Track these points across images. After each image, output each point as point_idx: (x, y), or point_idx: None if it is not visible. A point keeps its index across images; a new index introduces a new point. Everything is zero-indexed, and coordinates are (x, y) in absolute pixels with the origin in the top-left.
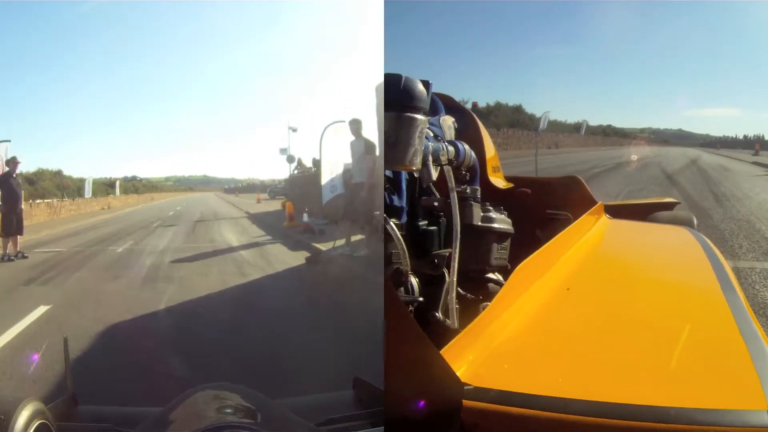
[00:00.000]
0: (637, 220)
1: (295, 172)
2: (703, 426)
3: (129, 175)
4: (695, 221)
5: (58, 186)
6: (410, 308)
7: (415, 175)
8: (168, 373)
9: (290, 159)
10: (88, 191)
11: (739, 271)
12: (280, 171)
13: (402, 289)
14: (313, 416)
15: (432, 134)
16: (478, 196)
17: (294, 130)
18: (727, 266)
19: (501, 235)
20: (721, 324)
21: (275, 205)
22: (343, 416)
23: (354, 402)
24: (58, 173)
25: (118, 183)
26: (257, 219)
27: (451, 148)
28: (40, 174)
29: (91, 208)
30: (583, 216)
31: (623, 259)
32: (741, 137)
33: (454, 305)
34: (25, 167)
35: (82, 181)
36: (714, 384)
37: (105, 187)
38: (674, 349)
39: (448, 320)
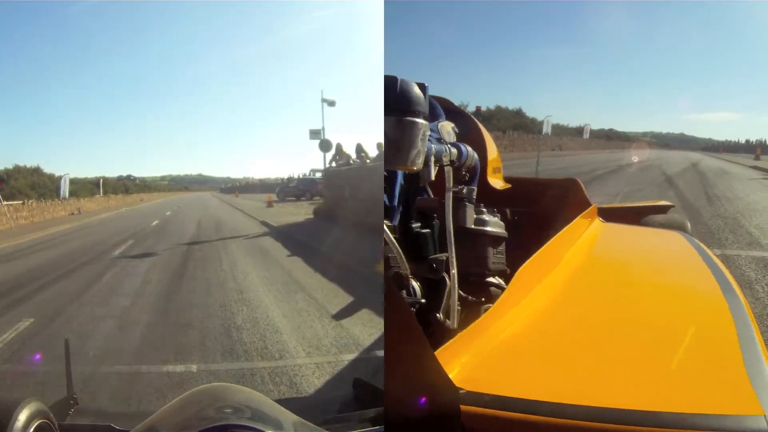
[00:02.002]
0: (631, 224)
1: (332, 164)
2: (699, 431)
3: (124, 173)
4: (689, 225)
5: (32, 185)
6: (413, 310)
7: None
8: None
9: (325, 146)
10: (64, 191)
11: (727, 257)
12: (277, 170)
13: (404, 292)
14: (313, 416)
15: (434, 138)
16: (473, 197)
17: (331, 104)
18: (725, 270)
19: (494, 239)
20: (718, 328)
21: (295, 211)
22: (343, 416)
23: (354, 402)
24: (36, 170)
25: (101, 182)
26: (292, 238)
27: (453, 150)
28: (15, 171)
29: (55, 213)
30: (576, 219)
31: (616, 263)
32: (743, 141)
33: (455, 307)
34: (1, 163)
35: (60, 179)
36: (711, 389)
37: (90, 186)
38: (671, 354)
39: (448, 321)
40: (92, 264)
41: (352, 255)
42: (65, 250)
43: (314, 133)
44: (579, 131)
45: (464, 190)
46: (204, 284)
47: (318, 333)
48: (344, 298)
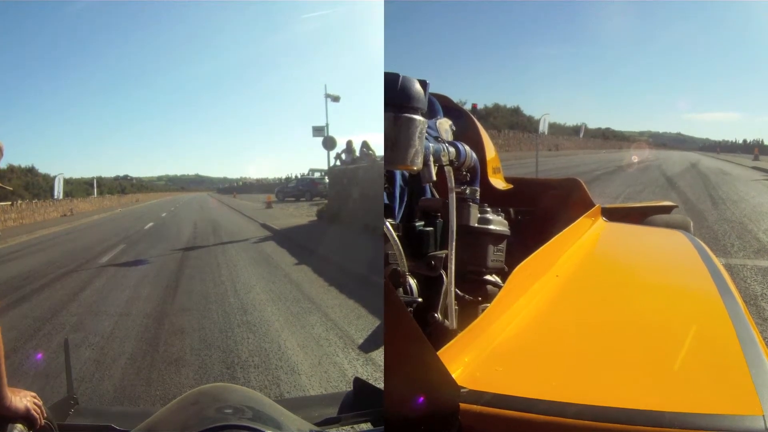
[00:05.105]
0: (634, 223)
1: (337, 162)
2: (698, 431)
3: (121, 174)
4: (692, 225)
5: (26, 185)
6: (410, 309)
7: (414, 174)
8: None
9: (329, 143)
10: (58, 191)
11: (731, 267)
12: (274, 170)
13: (401, 290)
14: (313, 416)
15: (432, 135)
16: (477, 197)
17: (335, 100)
18: (723, 270)
19: (497, 237)
20: (717, 328)
21: (296, 213)
22: (343, 416)
23: (354, 402)
24: (31, 170)
25: (95, 182)
26: (297, 244)
27: (452, 149)
28: (9, 171)
29: (46, 215)
30: (580, 218)
31: (619, 262)
32: (741, 142)
33: (453, 306)
34: None
35: (54, 179)
36: (709, 388)
37: (86, 186)
38: (670, 354)
39: (447, 321)
40: (75, 274)
41: (368, 264)
42: (48, 256)
43: (317, 130)
44: (576, 130)
45: (467, 191)
46: (201, 301)
47: (346, 372)
48: (368, 321)
